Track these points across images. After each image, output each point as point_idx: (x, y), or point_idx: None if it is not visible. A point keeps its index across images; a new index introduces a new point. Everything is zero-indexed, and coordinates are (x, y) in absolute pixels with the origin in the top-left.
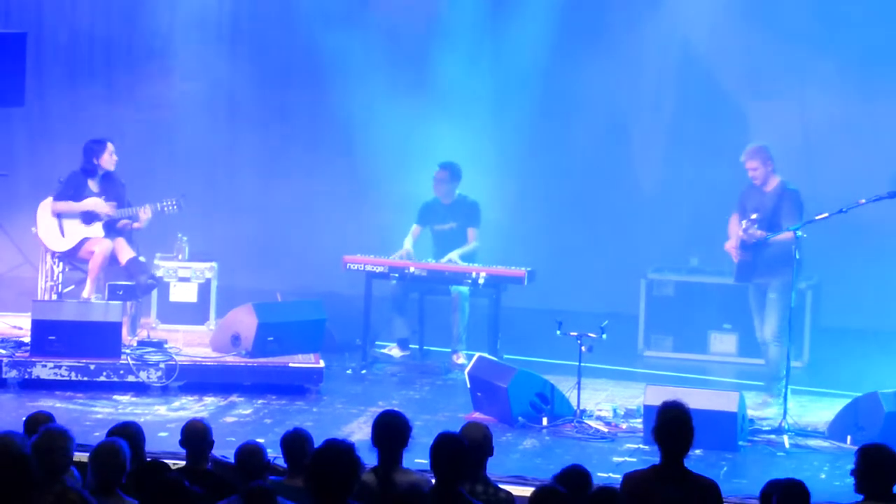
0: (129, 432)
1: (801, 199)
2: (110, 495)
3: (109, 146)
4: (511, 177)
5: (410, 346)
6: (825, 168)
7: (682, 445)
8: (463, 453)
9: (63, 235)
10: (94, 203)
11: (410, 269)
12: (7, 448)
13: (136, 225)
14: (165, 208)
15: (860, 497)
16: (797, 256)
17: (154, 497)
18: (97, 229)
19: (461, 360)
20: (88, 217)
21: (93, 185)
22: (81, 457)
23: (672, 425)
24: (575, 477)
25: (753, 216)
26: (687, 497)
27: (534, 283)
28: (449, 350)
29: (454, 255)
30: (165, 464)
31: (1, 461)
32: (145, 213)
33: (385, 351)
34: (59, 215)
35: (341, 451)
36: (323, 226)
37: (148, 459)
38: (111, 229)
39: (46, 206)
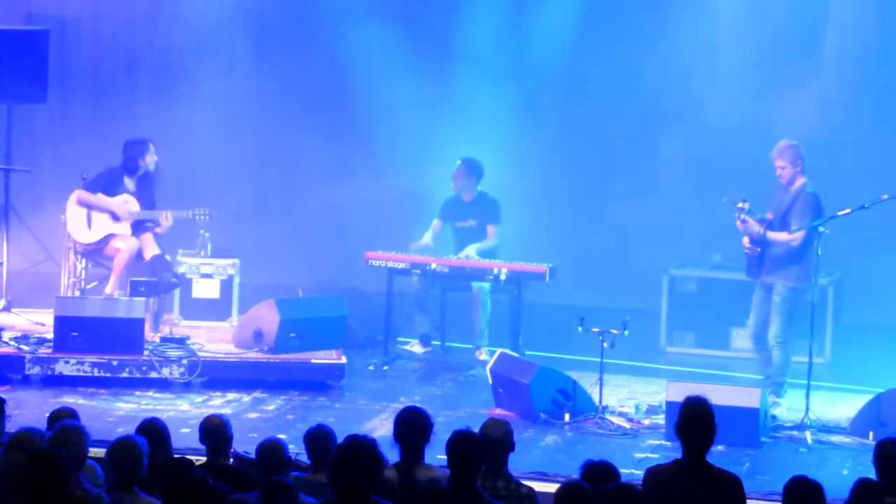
0: (153, 429)
1: (817, 204)
2: (128, 492)
3: (151, 146)
4: (533, 173)
5: (432, 342)
6: (847, 163)
7: (705, 441)
8: (478, 449)
9: (90, 228)
10: (122, 202)
11: (432, 266)
12: (24, 445)
13: (157, 230)
14: (197, 216)
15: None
16: (819, 252)
17: (179, 495)
18: (125, 227)
19: (483, 357)
20: (115, 214)
21: (129, 183)
22: (101, 452)
23: (695, 421)
24: (602, 471)
25: (740, 204)
26: (710, 492)
27: (555, 279)
28: (471, 346)
29: (472, 249)
30: (190, 461)
31: (32, 458)
32: (166, 220)
33: (407, 347)
34: (88, 206)
35: (364, 447)
36: (345, 222)
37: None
38: (138, 227)
39: (75, 196)
